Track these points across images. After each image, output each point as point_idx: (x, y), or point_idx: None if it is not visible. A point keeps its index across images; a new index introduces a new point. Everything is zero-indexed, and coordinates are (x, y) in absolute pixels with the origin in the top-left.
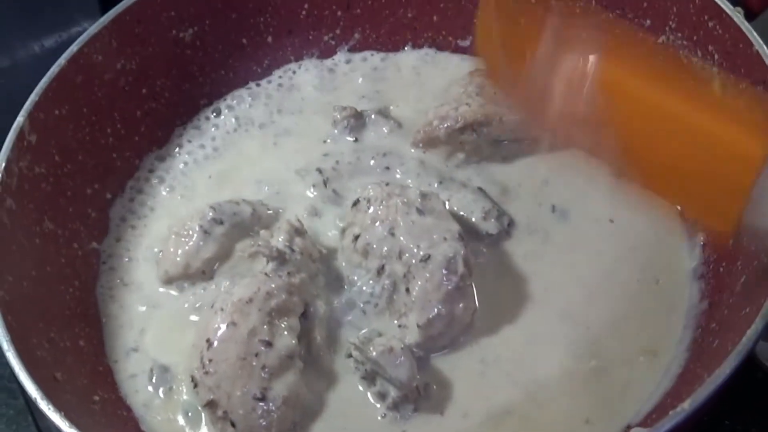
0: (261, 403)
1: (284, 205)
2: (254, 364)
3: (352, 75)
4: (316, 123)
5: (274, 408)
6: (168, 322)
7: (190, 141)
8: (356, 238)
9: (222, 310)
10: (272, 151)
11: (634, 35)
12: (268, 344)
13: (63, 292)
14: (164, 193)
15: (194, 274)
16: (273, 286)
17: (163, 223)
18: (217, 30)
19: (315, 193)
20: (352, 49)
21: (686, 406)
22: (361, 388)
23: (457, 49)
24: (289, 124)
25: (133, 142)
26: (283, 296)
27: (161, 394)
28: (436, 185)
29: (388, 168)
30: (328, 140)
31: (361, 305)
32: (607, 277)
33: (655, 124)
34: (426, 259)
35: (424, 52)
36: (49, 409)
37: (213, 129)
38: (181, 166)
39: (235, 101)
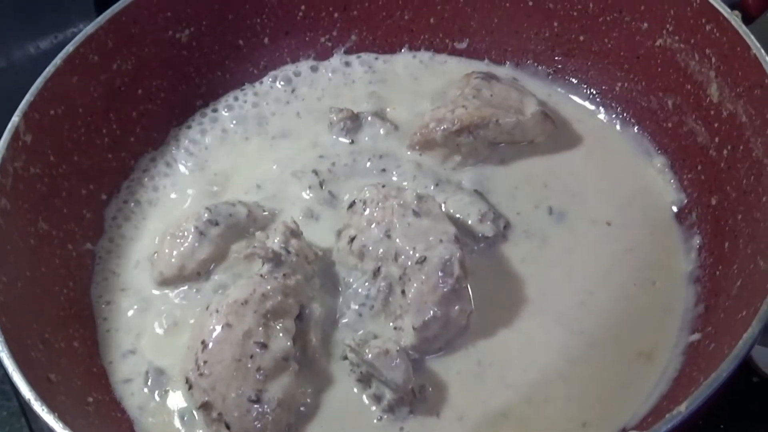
0: (256, 405)
1: (280, 206)
2: (249, 365)
3: (348, 77)
4: (313, 125)
5: (269, 410)
6: (163, 323)
7: (185, 142)
8: (352, 239)
9: (217, 311)
10: (268, 152)
11: None
12: (263, 346)
13: (57, 292)
14: (159, 194)
15: (189, 276)
16: (268, 287)
17: (158, 224)
18: (214, 31)
19: (311, 195)
20: (349, 51)
21: (682, 409)
22: (356, 390)
23: (454, 52)
24: (285, 126)
25: (128, 143)
26: (279, 298)
27: (156, 397)
28: (432, 187)
29: (384, 170)
30: (324, 142)
31: (357, 307)
32: (604, 280)
33: None
34: (422, 261)
35: (421, 54)
36: (43, 410)
37: (209, 130)
38: (177, 167)
39: (231, 102)
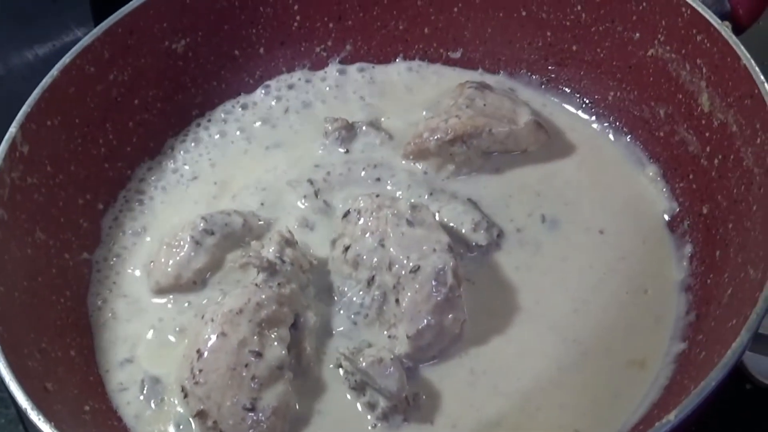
0: (251, 414)
1: (275, 215)
2: (244, 374)
3: (343, 87)
4: (308, 134)
5: (263, 418)
6: (159, 332)
7: (182, 152)
8: (346, 249)
9: (212, 320)
10: (263, 162)
11: None
12: (258, 355)
13: (55, 302)
14: (156, 203)
15: (185, 285)
16: (263, 296)
17: (154, 234)
18: (210, 41)
19: (306, 204)
20: (344, 61)
21: (672, 417)
22: (350, 398)
23: (448, 61)
24: (281, 136)
25: (125, 153)
26: (274, 307)
27: (153, 406)
28: (426, 197)
29: (378, 179)
30: (320, 151)
31: (351, 316)
32: (597, 288)
33: None
34: (415, 270)
35: (415, 64)
36: (40, 419)
37: (205, 140)
38: (173, 176)
39: (227, 112)
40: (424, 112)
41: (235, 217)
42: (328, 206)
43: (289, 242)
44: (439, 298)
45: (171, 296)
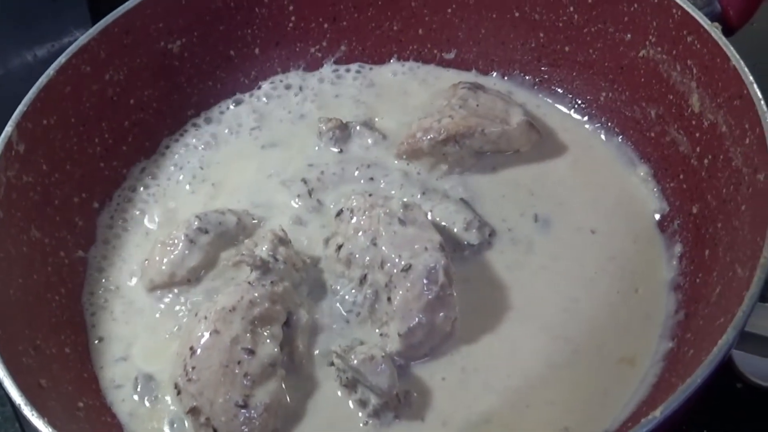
0: (243, 410)
1: (269, 214)
2: (237, 371)
3: (338, 87)
4: (302, 134)
5: (255, 415)
6: (153, 330)
7: (177, 151)
8: (339, 247)
9: (205, 318)
10: (258, 161)
11: None
12: (251, 352)
13: (49, 299)
14: (150, 202)
15: (179, 283)
16: (256, 294)
17: (149, 232)
18: (205, 42)
19: (299, 203)
20: (339, 62)
21: (657, 414)
22: (342, 395)
23: (442, 62)
24: (275, 135)
25: (120, 152)
26: (266, 305)
27: (147, 403)
28: (419, 196)
29: (372, 179)
30: (314, 151)
31: (344, 314)
32: (588, 287)
33: None
34: (407, 268)
35: (409, 65)
36: (33, 415)
37: (200, 139)
38: (168, 176)
39: (222, 112)
40: (418, 112)
41: (229, 215)
42: (321, 205)
43: (282, 241)
44: (430, 297)
45: (165, 294)
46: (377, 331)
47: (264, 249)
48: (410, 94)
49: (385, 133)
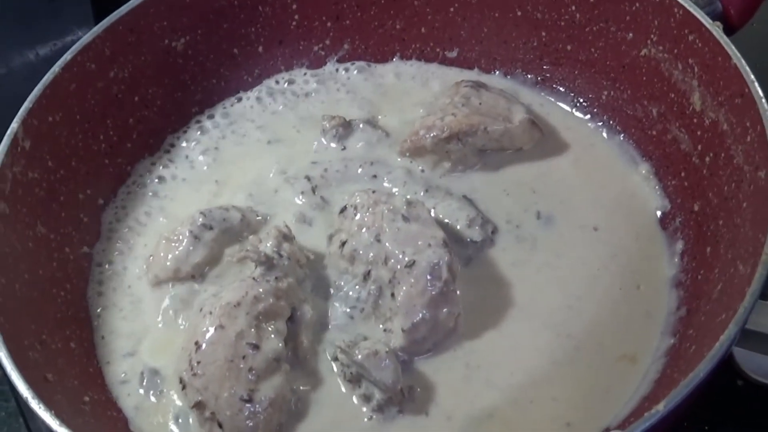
0: (248, 405)
1: (273, 211)
2: (241, 366)
3: (341, 85)
4: (305, 131)
5: (260, 409)
6: (158, 325)
7: (181, 148)
8: (343, 244)
9: (210, 313)
10: (262, 158)
11: None
12: (255, 347)
13: (55, 295)
14: (155, 198)
15: (184, 278)
16: (261, 290)
17: (153, 229)
18: (209, 40)
19: (303, 200)
20: (342, 60)
21: (661, 407)
22: (346, 390)
23: (445, 60)
24: (279, 133)
25: (125, 149)
26: (271, 300)
27: (152, 398)
28: (422, 193)
29: (375, 176)
30: (317, 149)
31: (348, 310)
32: (590, 284)
33: None
34: (411, 264)
35: (412, 63)
36: (40, 408)
37: (204, 137)
38: (172, 173)
39: (225, 110)
40: (421, 110)
41: (233, 212)
42: (325, 202)
43: (286, 237)
44: (434, 293)
45: (169, 290)
46: (381, 326)
47: (268, 245)
48: (413, 92)
49: (388, 130)
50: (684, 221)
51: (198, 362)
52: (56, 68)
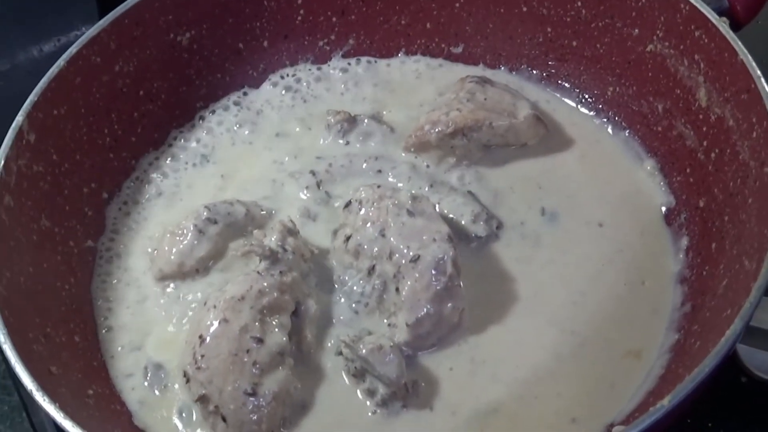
0: (252, 398)
1: (278, 206)
2: (245, 360)
3: (346, 80)
4: (311, 126)
5: (264, 403)
6: (162, 319)
7: (185, 143)
8: (348, 238)
9: (215, 307)
10: (266, 153)
11: None
12: (260, 341)
13: (59, 288)
14: (159, 193)
15: (188, 272)
16: (265, 284)
17: (157, 222)
18: (214, 34)
19: (308, 195)
20: (347, 55)
21: (666, 402)
22: (350, 384)
23: (450, 56)
24: (284, 128)
25: (129, 143)
26: (275, 294)
27: (156, 392)
28: (426, 188)
29: (380, 171)
30: (322, 143)
31: (352, 305)
32: (595, 280)
33: None
34: (415, 259)
35: (417, 59)
36: (45, 400)
37: (208, 131)
38: (177, 167)
39: (230, 104)
40: (426, 106)
41: (237, 206)
42: (329, 197)
43: (291, 231)
44: (438, 287)
45: (174, 284)
46: (385, 321)
47: (273, 239)
48: (418, 87)
49: (393, 126)
50: (689, 217)
51: (202, 356)
52: (61, 62)
